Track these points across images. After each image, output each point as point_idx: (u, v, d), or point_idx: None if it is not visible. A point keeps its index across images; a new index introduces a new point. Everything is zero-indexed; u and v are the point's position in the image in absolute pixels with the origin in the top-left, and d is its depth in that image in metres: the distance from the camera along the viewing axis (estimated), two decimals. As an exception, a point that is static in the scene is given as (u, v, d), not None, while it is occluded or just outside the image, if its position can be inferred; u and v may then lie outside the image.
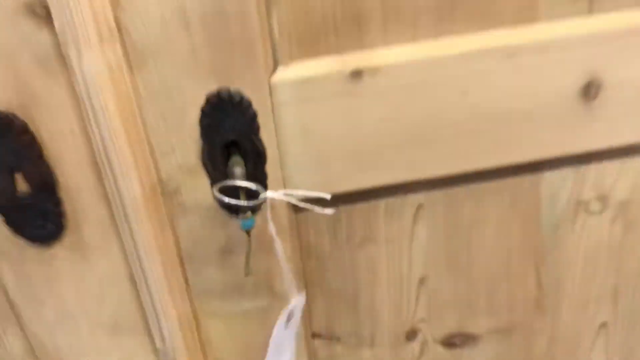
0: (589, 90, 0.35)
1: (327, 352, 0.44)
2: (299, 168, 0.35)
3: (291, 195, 0.33)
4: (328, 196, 0.33)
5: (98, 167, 0.33)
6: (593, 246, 0.43)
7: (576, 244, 0.43)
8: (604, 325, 0.48)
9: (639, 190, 0.41)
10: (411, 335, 0.45)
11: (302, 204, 0.34)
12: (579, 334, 0.47)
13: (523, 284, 0.44)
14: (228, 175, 0.33)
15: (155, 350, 0.40)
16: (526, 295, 0.44)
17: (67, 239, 0.35)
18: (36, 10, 0.29)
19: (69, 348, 0.40)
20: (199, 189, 0.35)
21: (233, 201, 0.32)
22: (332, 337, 0.44)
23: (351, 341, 0.44)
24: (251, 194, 0.33)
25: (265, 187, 0.34)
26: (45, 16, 0.29)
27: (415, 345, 0.45)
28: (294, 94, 0.33)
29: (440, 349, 0.46)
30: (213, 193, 0.33)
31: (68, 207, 0.34)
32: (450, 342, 0.46)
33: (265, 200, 0.33)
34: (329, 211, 0.33)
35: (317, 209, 0.34)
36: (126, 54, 0.31)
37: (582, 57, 0.34)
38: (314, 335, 0.44)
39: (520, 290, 0.44)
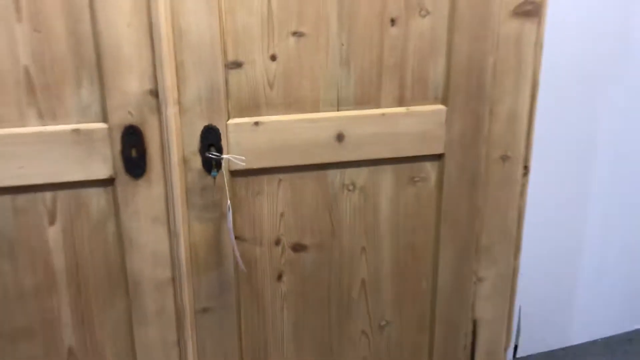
0: (340, 137, 1.00)
1: (240, 246, 1.03)
2: (236, 154, 0.97)
3: (233, 158, 0.95)
4: (244, 163, 0.95)
5: (163, 144, 0.94)
6: (351, 207, 1.06)
7: (344, 204, 1.05)
8: (363, 249, 1.08)
9: (368, 180, 1.05)
10: (278, 242, 1.04)
11: (237, 162, 0.95)
12: (352, 250, 1.08)
13: (324, 221, 1.05)
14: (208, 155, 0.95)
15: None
16: (326, 227, 1.06)
17: (145, 177, 0.95)
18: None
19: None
20: (197, 162, 0.96)
21: (213, 155, 0.93)
22: (243, 239, 1.03)
23: (251, 242, 1.03)
24: (217, 162, 0.94)
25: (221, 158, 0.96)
26: (155, 91, 0.92)
27: (279, 248, 1.05)
28: (234, 128, 0.96)
29: (290, 251, 1.05)
30: (202, 160, 0.95)
31: (147, 165, 0.94)
32: (294, 247, 1.05)
33: (222, 159, 0.94)
34: (242, 163, 0.95)
35: (241, 164, 0.95)
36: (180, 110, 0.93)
37: (336, 124, 0.99)
38: (236, 237, 1.03)
39: (323, 224, 1.05)
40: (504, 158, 1.09)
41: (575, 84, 1.70)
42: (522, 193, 1.13)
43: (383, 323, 1.15)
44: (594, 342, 2.12)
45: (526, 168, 1.11)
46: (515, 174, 1.11)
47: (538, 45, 1.04)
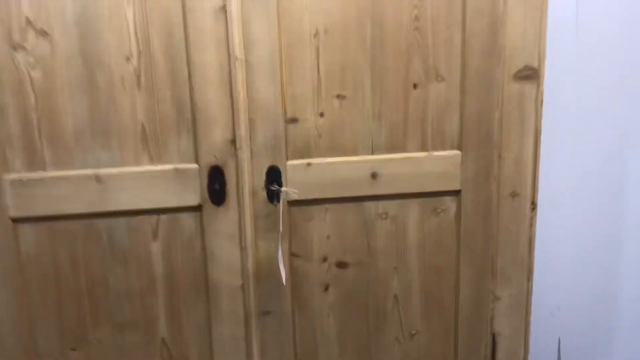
0: (374, 175, 1.27)
1: (295, 261, 1.30)
2: (292, 188, 1.25)
3: (288, 190, 1.24)
4: (297, 195, 1.23)
5: (238, 180, 1.23)
6: (384, 232, 1.31)
7: (378, 230, 1.31)
8: (395, 268, 1.33)
9: (398, 210, 1.30)
10: (325, 259, 1.31)
11: (293, 194, 1.24)
12: (386, 269, 1.33)
13: (362, 243, 1.31)
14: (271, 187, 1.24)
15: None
16: (364, 249, 1.31)
17: (224, 205, 1.25)
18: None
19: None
20: (263, 194, 1.25)
21: (275, 189, 1.22)
22: (298, 256, 1.30)
23: (304, 258, 1.30)
24: (277, 194, 1.23)
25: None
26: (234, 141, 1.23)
27: (326, 264, 1.31)
28: (291, 168, 1.25)
29: (334, 267, 1.31)
30: (267, 192, 1.24)
31: (226, 195, 1.24)
32: (338, 264, 1.31)
33: (281, 191, 1.23)
34: (297, 195, 1.23)
35: (295, 196, 1.24)
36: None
37: (371, 165, 1.26)
38: (292, 254, 1.30)
39: (361, 246, 1.31)
40: (513, 195, 1.32)
41: (605, 130, 1.90)
42: (532, 225, 1.35)
43: (413, 332, 1.38)
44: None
45: (533, 204, 1.34)
46: (524, 209, 1.33)
47: (538, 101, 1.28)
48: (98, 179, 1.20)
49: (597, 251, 2.08)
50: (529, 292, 1.39)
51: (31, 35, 1.14)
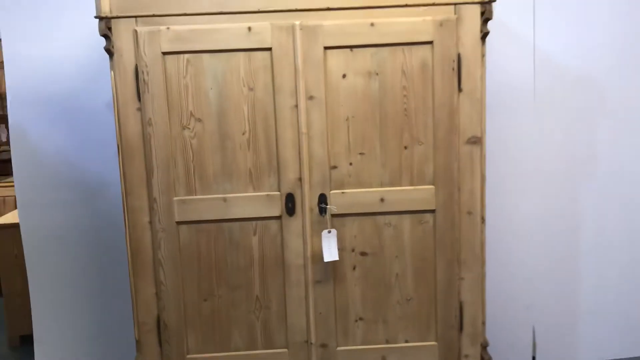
0: (382, 200, 2.15)
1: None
2: (333, 206, 2.15)
3: (333, 207, 2.14)
4: (336, 210, 2.13)
5: (302, 201, 2.14)
6: (389, 235, 2.18)
7: (385, 233, 2.18)
8: (396, 257, 2.19)
9: (398, 221, 2.17)
10: (353, 250, 2.18)
11: (333, 210, 2.13)
12: (391, 258, 2.19)
13: (375, 241, 2.18)
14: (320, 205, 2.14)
15: (303, 242, 2.17)
16: (377, 245, 2.18)
17: (294, 215, 2.15)
18: (299, 179, 2.15)
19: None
20: (316, 209, 2.15)
21: (323, 206, 2.13)
22: (338, 248, 2.18)
23: (341, 249, 2.18)
24: (324, 210, 2.13)
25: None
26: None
27: (354, 253, 2.19)
28: (333, 195, 2.15)
29: (359, 255, 2.19)
30: (318, 209, 2.14)
31: (295, 210, 2.15)
32: (361, 253, 2.19)
33: (327, 208, 2.13)
34: (336, 210, 2.13)
35: (335, 211, 2.13)
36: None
37: (380, 194, 2.15)
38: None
39: (375, 243, 2.18)
40: (469, 213, 2.17)
41: (560, 175, 2.73)
42: (482, 232, 2.18)
43: (409, 298, 2.23)
44: (597, 362, 2.94)
45: (482, 218, 2.18)
46: (476, 222, 2.18)
47: (482, 156, 2.14)
48: (224, 200, 2.15)
49: (560, 260, 2.87)
50: (482, 276, 2.21)
51: (192, 120, 2.11)
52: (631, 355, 2.93)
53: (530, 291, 2.86)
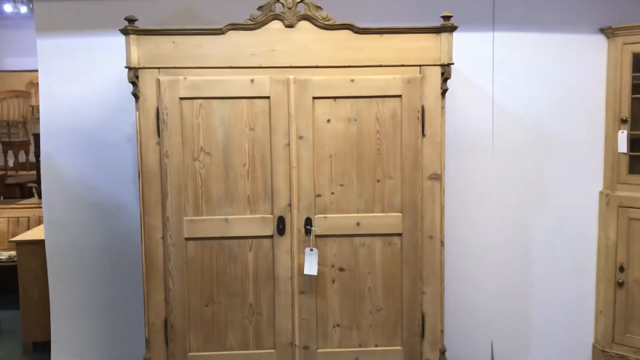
0: (358, 224, 2.58)
1: (318, 267, 2.60)
2: (317, 228, 2.57)
3: (317, 229, 2.56)
4: (319, 231, 2.55)
5: (292, 223, 2.57)
6: (364, 254, 2.60)
7: (361, 252, 2.60)
8: (369, 273, 2.60)
9: (371, 243, 2.59)
10: (333, 265, 2.60)
11: (317, 231, 2.55)
12: (364, 273, 2.61)
13: (352, 259, 2.60)
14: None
15: (291, 258, 2.59)
16: (353, 262, 2.60)
17: (284, 235, 2.57)
18: (289, 205, 2.58)
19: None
20: (302, 230, 2.57)
21: (309, 228, 2.55)
22: (320, 264, 2.60)
23: (322, 265, 2.60)
24: (309, 231, 2.55)
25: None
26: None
27: (334, 268, 2.60)
28: (317, 219, 2.58)
29: (337, 270, 2.60)
30: (305, 230, 2.56)
31: (285, 230, 2.57)
32: (339, 269, 2.60)
33: (311, 230, 2.55)
34: (319, 231, 2.56)
35: (318, 232, 2.56)
36: (298, 211, 2.58)
37: (356, 219, 2.57)
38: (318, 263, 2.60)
39: (352, 260, 2.60)
40: (430, 237, 2.60)
41: (513, 206, 3.17)
42: (441, 254, 2.61)
43: (379, 309, 2.64)
44: (547, 375, 3.33)
45: (442, 242, 2.60)
46: (436, 245, 2.60)
47: (441, 190, 2.58)
48: (226, 220, 2.57)
49: (514, 283, 3.29)
50: (442, 291, 2.63)
51: (202, 154, 2.55)
52: (577, 371, 3.32)
53: (488, 309, 3.27)
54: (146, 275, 2.58)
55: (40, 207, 5.18)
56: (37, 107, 9.34)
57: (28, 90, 9.58)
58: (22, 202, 5.85)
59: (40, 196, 6.91)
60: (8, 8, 7.52)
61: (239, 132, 2.54)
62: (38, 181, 7.01)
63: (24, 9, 7.59)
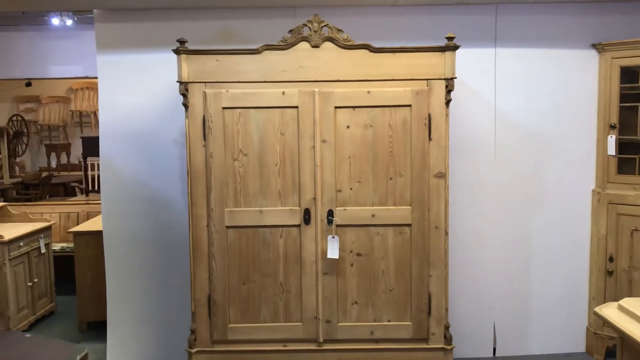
0: (373, 216, 3.00)
1: (339, 253, 3.03)
2: (338, 219, 3.01)
3: (337, 219, 3.00)
4: (340, 221, 2.98)
5: (316, 214, 3.00)
6: (378, 241, 3.02)
7: (375, 240, 3.03)
8: (382, 257, 3.03)
9: (384, 232, 3.01)
10: (351, 251, 3.03)
11: (337, 221, 2.99)
12: (379, 258, 3.03)
13: (368, 245, 3.03)
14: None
15: (316, 244, 3.02)
16: (369, 248, 3.03)
17: (310, 224, 3.00)
18: (314, 199, 3.02)
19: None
20: (325, 220, 3.00)
21: (331, 218, 2.99)
22: (340, 250, 3.03)
23: (342, 251, 3.03)
24: (331, 221, 2.98)
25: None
26: (315, 199, 3.02)
27: (352, 254, 3.03)
28: (338, 211, 3.01)
29: (355, 256, 3.03)
30: (327, 220, 2.99)
31: (311, 220, 3.00)
32: (357, 254, 3.03)
33: (333, 220, 2.98)
34: (339, 221, 2.99)
35: (339, 222, 2.99)
36: (321, 204, 3.02)
37: (372, 211, 3.00)
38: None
39: (368, 246, 3.03)
40: (436, 227, 3.01)
41: (515, 204, 3.57)
42: (445, 242, 3.02)
43: (391, 289, 3.06)
44: (546, 355, 3.71)
45: (446, 232, 3.02)
46: (441, 234, 3.02)
47: (446, 187, 2.99)
48: (260, 211, 3.02)
49: (515, 271, 3.68)
50: (446, 274, 3.04)
51: (241, 155, 3.01)
52: (573, 351, 3.70)
53: (491, 295, 3.66)
54: (193, 258, 3.04)
55: (88, 204, 5.74)
56: (77, 111, 10.06)
57: (68, 96, 10.22)
58: (72, 199, 6.40)
59: (84, 193, 7.45)
60: (55, 21, 8.11)
61: (272, 136, 2.99)
62: (85, 180, 7.59)
63: (69, 22, 8.17)
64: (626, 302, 1.90)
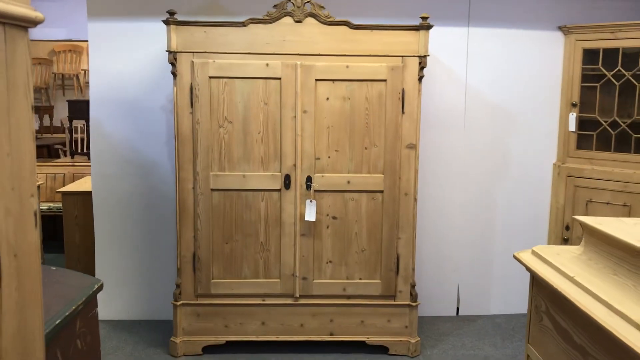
0: (349, 182, 3.24)
1: (316, 216, 3.27)
2: (316, 185, 3.24)
3: (315, 185, 3.23)
4: (317, 186, 3.22)
5: (295, 179, 3.23)
6: (352, 205, 3.27)
7: (350, 204, 3.27)
8: (356, 221, 3.28)
9: (359, 197, 3.26)
10: (327, 214, 3.27)
11: (315, 186, 3.22)
12: (352, 221, 3.28)
13: (343, 209, 3.27)
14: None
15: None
16: (344, 211, 3.27)
17: (290, 189, 3.24)
18: (294, 165, 3.25)
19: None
20: (304, 185, 3.23)
21: (309, 184, 3.22)
22: (318, 213, 3.27)
23: (319, 214, 3.27)
24: (309, 186, 3.21)
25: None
26: (295, 166, 3.24)
27: (329, 217, 3.27)
28: (316, 177, 3.24)
29: (331, 219, 3.27)
30: (306, 185, 3.22)
31: (291, 185, 3.23)
32: (332, 217, 3.28)
33: (311, 185, 3.22)
34: (317, 186, 3.22)
35: (316, 187, 3.22)
36: (301, 170, 3.25)
37: (347, 178, 3.24)
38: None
39: (343, 210, 3.27)
40: (406, 194, 3.26)
41: (481, 174, 3.83)
42: (414, 208, 3.27)
43: (363, 250, 3.31)
44: (506, 315, 4.01)
45: (415, 199, 3.27)
46: (410, 200, 3.27)
47: (416, 157, 3.23)
48: (244, 176, 3.24)
49: (479, 236, 3.96)
50: (413, 237, 3.30)
51: (226, 122, 3.20)
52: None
53: (456, 258, 3.95)
54: (179, 218, 3.26)
55: (73, 165, 5.88)
56: (59, 74, 10.08)
57: (50, 58, 10.21)
58: (57, 160, 6.53)
59: (68, 155, 7.57)
60: (39, -18, 8.07)
61: (256, 105, 3.19)
62: (70, 143, 7.70)
63: (52, -17, 8.15)
64: (538, 248, 2.25)
